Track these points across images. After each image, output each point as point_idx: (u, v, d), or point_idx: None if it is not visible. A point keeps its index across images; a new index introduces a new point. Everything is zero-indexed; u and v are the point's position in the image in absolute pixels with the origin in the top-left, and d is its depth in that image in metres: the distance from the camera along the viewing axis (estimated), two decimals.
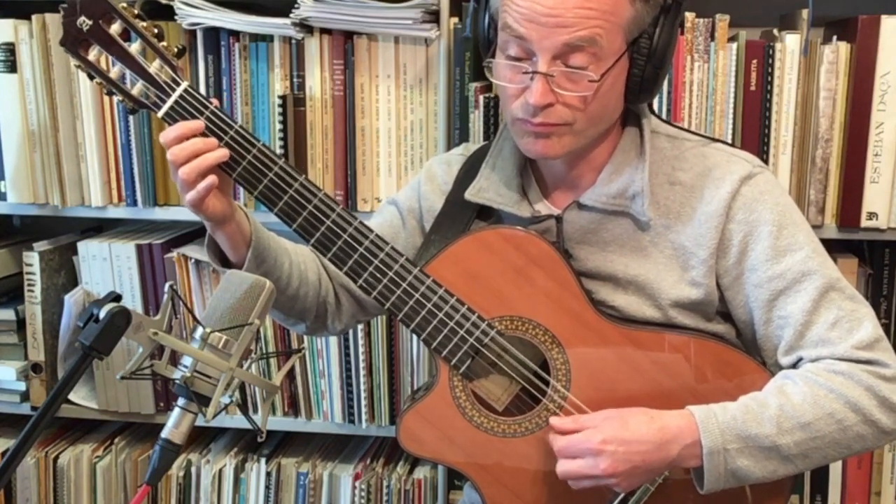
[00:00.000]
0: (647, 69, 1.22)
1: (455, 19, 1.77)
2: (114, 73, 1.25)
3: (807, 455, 1.22)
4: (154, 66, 1.24)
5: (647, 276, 1.30)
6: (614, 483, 1.21)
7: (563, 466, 1.22)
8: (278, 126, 1.82)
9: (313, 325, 1.47)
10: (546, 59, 1.18)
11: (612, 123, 1.30)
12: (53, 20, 1.85)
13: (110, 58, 1.24)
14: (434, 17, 1.77)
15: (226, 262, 1.34)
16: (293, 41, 1.82)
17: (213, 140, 1.24)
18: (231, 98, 1.85)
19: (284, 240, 1.41)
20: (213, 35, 1.84)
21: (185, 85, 1.24)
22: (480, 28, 1.30)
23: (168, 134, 1.23)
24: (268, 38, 1.83)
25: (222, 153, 1.24)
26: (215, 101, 1.26)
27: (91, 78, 1.26)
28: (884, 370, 1.22)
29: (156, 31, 1.25)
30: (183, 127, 1.23)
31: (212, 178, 1.22)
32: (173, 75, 1.24)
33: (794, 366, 1.27)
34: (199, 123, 1.23)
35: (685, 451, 1.21)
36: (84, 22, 1.22)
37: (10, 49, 1.87)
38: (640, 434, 1.20)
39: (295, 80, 1.84)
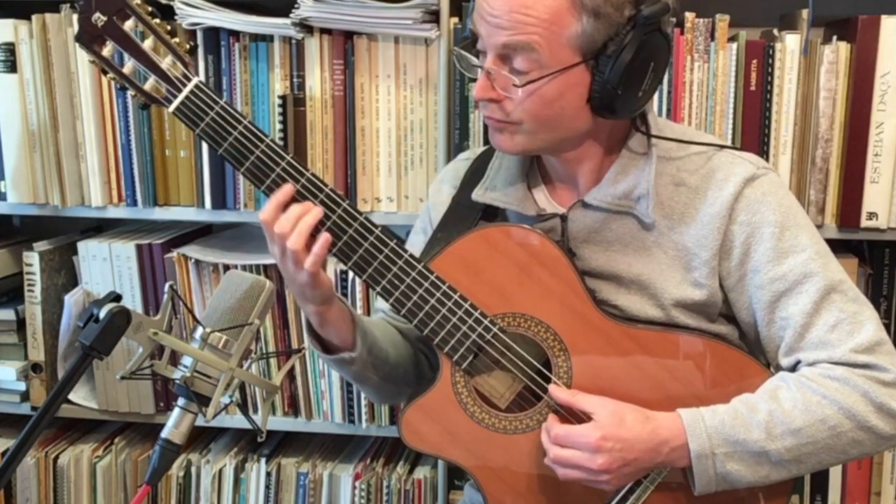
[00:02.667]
0: (606, 86, 1.20)
1: (455, 19, 1.78)
2: (127, 68, 1.27)
3: (800, 461, 1.22)
4: (166, 62, 1.26)
5: (649, 275, 1.30)
6: (605, 479, 1.22)
7: (557, 452, 1.23)
8: (278, 126, 1.83)
9: (419, 385, 1.45)
10: (491, 56, 1.22)
11: (578, 132, 1.28)
12: (53, 20, 1.85)
13: (123, 53, 1.26)
14: (434, 17, 1.78)
15: (326, 349, 1.34)
16: (293, 41, 1.82)
17: (307, 203, 1.23)
18: (231, 98, 1.85)
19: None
20: (213, 35, 1.84)
21: (196, 80, 1.25)
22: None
23: (268, 208, 1.22)
24: (268, 38, 1.84)
25: (319, 211, 1.23)
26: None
27: (104, 73, 1.27)
28: (883, 375, 1.22)
29: (168, 27, 1.26)
30: (281, 195, 1.23)
31: (326, 236, 1.22)
32: (185, 71, 1.26)
33: (794, 368, 1.27)
34: (290, 188, 1.24)
35: (674, 454, 1.22)
36: (99, 18, 1.24)
37: (10, 49, 1.87)
38: (636, 433, 1.21)
39: (295, 80, 1.84)
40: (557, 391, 1.27)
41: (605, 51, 1.19)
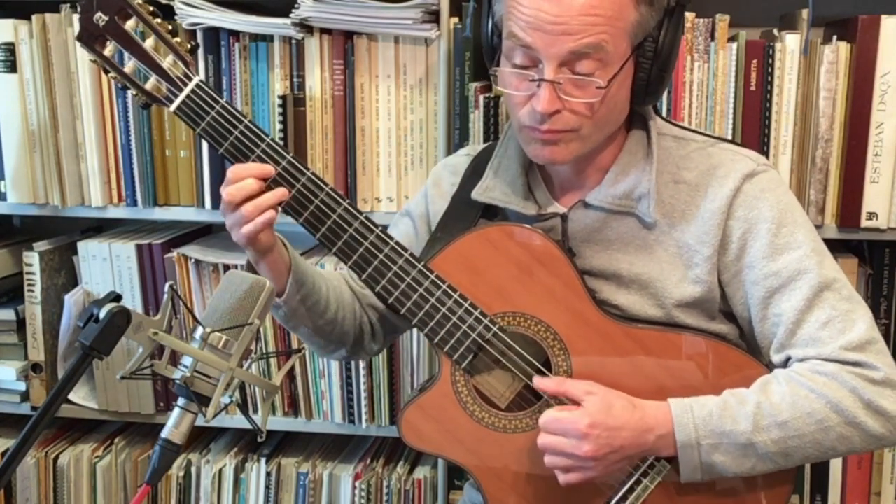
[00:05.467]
0: (652, 72, 1.22)
1: (455, 19, 1.77)
2: (128, 67, 1.27)
3: (787, 454, 1.22)
4: (167, 62, 1.26)
5: (650, 274, 1.30)
6: (591, 466, 1.22)
7: (545, 439, 1.23)
8: (278, 126, 1.83)
9: (352, 349, 1.48)
10: (552, 66, 1.18)
11: (618, 126, 1.30)
12: (53, 20, 1.85)
13: (125, 53, 1.26)
14: (434, 17, 1.77)
15: None
16: (293, 41, 1.82)
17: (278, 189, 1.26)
18: (231, 98, 1.85)
19: (319, 268, 1.42)
20: (213, 35, 1.84)
21: (196, 80, 1.26)
22: (484, 36, 1.30)
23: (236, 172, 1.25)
24: (268, 38, 1.84)
25: (282, 192, 1.26)
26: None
27: (106, 72, 1.28)
28: (872, 373, 1.22)
29: (170, 27, 1.27)
30: (246, 169, 1.26)
31: (271, 213, 1.25)
32: (186, 70, 1.26)
33: (785, 364, 1.28)
34: (267, 168, 1.26)
35: (660, 442, 1.23)
36: (100, 18, 1.25)
37: (10, 49, 1.87)
38: (623, 421, 1.22)
39: (295, 80, 1.84)
40: (543, 381, 1.27)
41: (648, 37, 1.21)
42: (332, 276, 1.46)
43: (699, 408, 1.23)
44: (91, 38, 1.25)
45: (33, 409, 2.03)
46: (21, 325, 2.02)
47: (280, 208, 1.28)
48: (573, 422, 1.21)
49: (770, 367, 1.30)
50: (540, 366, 1.31)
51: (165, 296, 1.06)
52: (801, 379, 1.22)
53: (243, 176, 1.25)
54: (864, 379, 1.21)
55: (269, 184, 1.27)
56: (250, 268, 1.33)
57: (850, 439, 1.22)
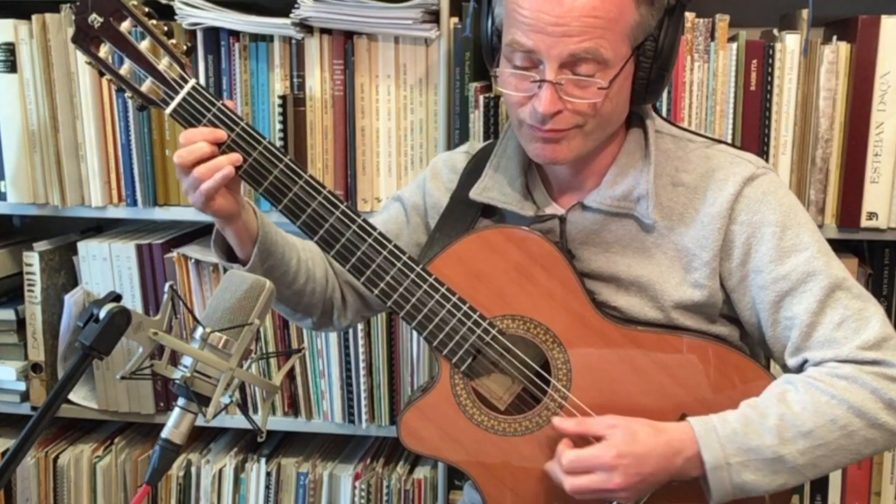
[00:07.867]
0: (652, 71, 1.22)
1: (455, 19, 1.77)
2: (123, 70, 1.27)
3: (815, 464, 1.21)
4: (163, 64, 1.25)
5: (649, 277, 1.30)
6: (623, 496, 1.21)
7: (575, 481, 1.20)
8: (278, 126, 1.83)
9: (319, 321, 1.47)
10: (553, 67, 1.18)
11: (619, 125, 1.29)
12: (53, 20, 1.85)
13: (120, 55, 1.26)
14: (434, 17, 1.77)
15: (232, 258, 1.34)
16: (293, 41, 1.82)
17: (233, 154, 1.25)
18: (231, 98, 1.85)
19: (293, 237, 1.41)
20: (213, 35, 1.84)
21: (192, 82, 1.25)
22: (484, 37, 1.29)
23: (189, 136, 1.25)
24: (268, 38, 1.84)
25: (235, 156, 1.24)
26: (231, 103, 1.27)
27: (101, 74, 1.27)
28: (891, 370, 1.21)
29: (165, 29, 1.26)
30: (198, 133, 1.24)
31: (228, 170, 1.23)
32: (182, 73, 1.25)
33: (801, 367, 1.26)
34: (218, 132, 1.25)
35: (687, 464, 1.21)
36: (95, 19, 1.24)
37: (10, 49, 1.87)
38: (649, 447, 1.20)
39: (295, 80, 1.84)
40: (564, 423, 1.25)
41: (648, 37, 1.21)
42: (308, 248, 1.43)
43: (722, 425, 1.21)
44: (86, 39, 1.25)
45: (33, 409, 2.03)
46: (21, 325, 2.02)
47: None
48: (599, 456, 1.19)
49: (784, 369, 1.29)
50: (539, 368, 1.31)
51: (165, 296, 1.06)
52: (820, 385, 1.21)
53: (195, 139, 1.24)
54: (883, 378, 1.20)
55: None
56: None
57: (874, 441, 1.21)
